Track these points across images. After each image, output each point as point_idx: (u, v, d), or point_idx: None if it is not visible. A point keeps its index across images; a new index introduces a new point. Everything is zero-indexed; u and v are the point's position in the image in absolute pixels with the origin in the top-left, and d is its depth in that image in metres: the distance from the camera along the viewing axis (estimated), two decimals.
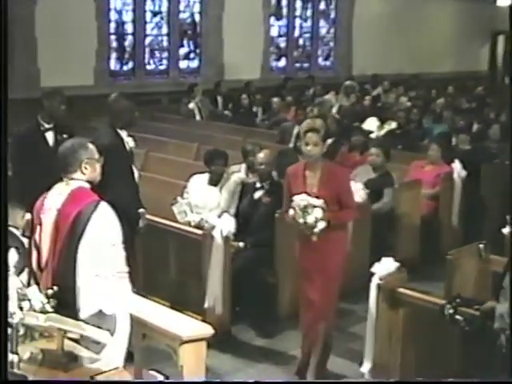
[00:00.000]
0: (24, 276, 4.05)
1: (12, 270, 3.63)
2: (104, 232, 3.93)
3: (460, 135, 9.70)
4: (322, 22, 16.86)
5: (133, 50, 13.76)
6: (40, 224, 4.11)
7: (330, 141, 6.67)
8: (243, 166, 7.50)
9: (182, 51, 14.52)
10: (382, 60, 16.31)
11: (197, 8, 14.52)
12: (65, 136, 6.00)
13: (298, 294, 5.58)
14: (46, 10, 11.78)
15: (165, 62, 14.28)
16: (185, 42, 14.55)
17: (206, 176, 7.08)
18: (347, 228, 5.77)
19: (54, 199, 4.09)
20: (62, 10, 11.81)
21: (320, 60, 17.03)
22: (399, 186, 7.83)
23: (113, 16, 13.39)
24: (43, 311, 3.74)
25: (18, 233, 5.55)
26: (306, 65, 16.70)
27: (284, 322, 6.45)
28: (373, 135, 10.54)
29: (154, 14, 14.03)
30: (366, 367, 5.25)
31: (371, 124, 11.25)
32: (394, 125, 11.00)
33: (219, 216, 6.32)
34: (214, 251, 6.05)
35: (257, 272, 6.48)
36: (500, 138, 9.61)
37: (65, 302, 3.88)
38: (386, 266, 5.14)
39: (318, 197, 5.10)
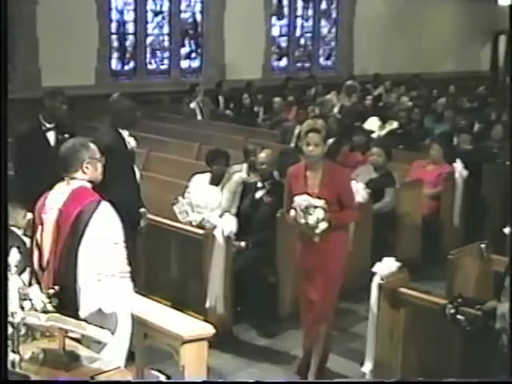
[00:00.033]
0: (25, 276, 4.06)
1: (13, 270, 3.63)
2: (105, 231, 3.94)
3: (461, 135, 9.68)
4: (323, 22, 16.85)
5: (134, 49, 13.77)
6: (41, 224, 4.11)
7: (331, 140, 6.70)
8: (244, 166, 7.50)
9: (184, 51, 14.52)
10: (384, 60, 16.29)
11: (198, 8, 14.52)
12: (66, 136, 6.01)
13: (299, 295, 5.58)
14: (48, 10, 11.79)
15: (166, 61, 14.28)
16: (186, 41, 14.55)
17: (208, 176, 7.08)
18: (348, 229, 5.77)
19: (56, 199, 4.09)
20: (64, 9, 11.83)
21: (321, 60, 17.02)
22: (401, 185, 7.82)
23: (114, 16, 13.40)
24: (45, 311, 3.75)
25: (19, 232, 5.57)
26: (307, 64, 16.68)
27: (285, 322, 6.45)
28: (374, 135, 10.52)
29: (156, 13, 14.03)
30: (367, 367, 5.25)
31: (373, 124, 11.25)
32: (395, 124, 10.99)
33: (220, 216, 6.33)
34: (216, 251, 6.05)
35: (258, 272, 6.48)
36: (502, 138, 9.60)
37: (66, 302, 3.88)
38: (387, 266, 5.14)
39: (319, 197, 5.10)
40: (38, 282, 4.03)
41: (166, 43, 14.25)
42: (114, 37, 13.46)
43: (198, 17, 14.58)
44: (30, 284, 4.02)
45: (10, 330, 3.52)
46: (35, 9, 11.85)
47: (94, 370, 3.59)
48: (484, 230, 8.12)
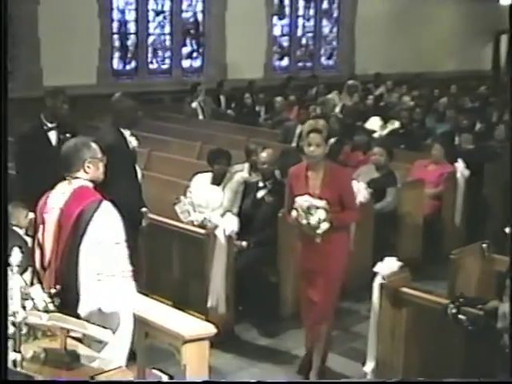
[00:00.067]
0: (27, 275, 4.06)
1: (15, 269, 3.64)
2: (106, 231, 3.93)
3: (463, 135, 9.68)
4: (324, 22, 16.85)
5: (135, 49, 13.77)
6: (43, 223, 4.11)
7: (332, 140, 6.69)
8: (246, 166, 7.50)
9: (185, 50, 14.53)
10: (385, 59, 16.29)
11: (199, 7, 14.53)
12: (68, 135, 6.01)
13: (300, 295, 5.58)
14: (49, 10, 11.80)
15: (167, 61, 14.28)
16: (188, 41, 14.55)
17: (209, 175, 7.08)
18: (349, 229, 5.77)
19: (57, 198, 4.09)
20: (65, 9, 11.83)
21: (323, 59, 17.02)
22: (402, 185, 7.82)
23: (115, 15, 13.41)
24: (46, 310, 3.75)
25: (21, 232, 5.58)
26: (308, 64, 16.69)
27: (287, 322, 6.45)
28: (376, 134, 10.53)
29: (157, 13, 14.04)
30: (368, 366, 5.25)
31: (374, 123, 11.24)
32: (396, 124, 10.99)
33: (222, 215, 6.33)
34: (217, 250, 6.05)
35: (260, 271, 6.48)
36: (504, 138, 9.59)
37: (68, 301, 3.88)
38: (388, 266, 5.14)
39: (320, 198, 5.09)
40: (40, 282, 4.03)
41: (168, 43, 14.26)
42: (115, 36, 13.47)
43: (200, 16, 14.58)
44: (32, 283, 4.02)
45: (11, 329, 3.53)
46: (37, 9, 11.86)
47: (96, 370, 3.59)
48: (486, 229, 8.11)
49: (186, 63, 14.54)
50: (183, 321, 4.26)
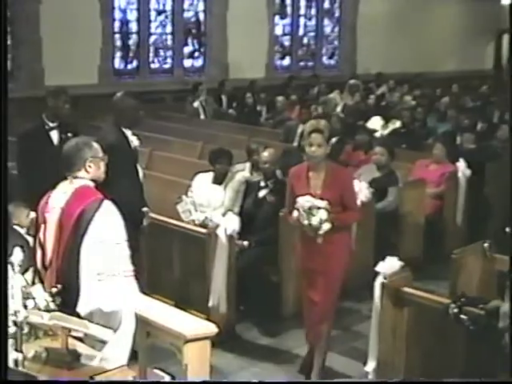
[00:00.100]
0: (29, 274, 4.06)
1: (17, 269, 3.64)
2: (107, 231, 3.94)
3: (464, 134, 9.68)
4: (326, 21, 16.85)
5: (137, 48, 13.77)
6: (44, 222, 4.12)
7: (334, 139, 6.68)
8: (247, 165, 7.50)
9: (187, 50, 14.53)
10: (387, 59, 16.29)
11: (201, 7, 14.53)
12: (69, 135, 6.01)
13: (301, 295, 5.58)
14: (51, 9, 11.80)
15: (169, 60, 14.29)
16: (189, 40, 14.55)
17: (211, 175, 7.08)
18: (351, 229, 5.77)
19: (59, 198, 4.09)
20: (67, 8, 11.84)
21: (324, 59, 17.02)
22: (404, 185, 7.82)
23: (117, 15, 13.41)
24: (48, 309, 3.75)
25: (22, 231, 5.58)
26: (310, 63, 16.69)
27: (288, 321, 6.45)
28: (377, 134, 10.52)
29: (159, 12, 14.04)
30: (370, 366, 5.25)
31: (375, 123, 11.25)
32: (398, 124, 10.99)
33: (223, 215, 6.33)
34: (219, 250, 6.05)
35: (261, 271, 6.48)
36: (507, 138, 9.58)
37: (69, 301, 3.88)
38: (390, 265, 5.13)
39: (321, 198, 5.08)
40: (41, 281, 4.03)
41: (169, 42, 14.26)
42: (117, 36, 13.48)
43: (201, 16, 14.59)
44: (33, 283, 4.02)
45: (13, 328, 3.53)
46: (39, 8, 11.87)
47: (97, 369, 3.60)
48: (487, 229, 8.11)
49: (187, 63, 14.55)
50: (184, 320, 4.26)
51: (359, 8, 16.69)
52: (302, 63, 16.53)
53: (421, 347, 5.03)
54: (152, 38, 14.01)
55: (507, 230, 5.20)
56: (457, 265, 5.40)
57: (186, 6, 14.33)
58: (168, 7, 14.10)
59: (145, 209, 5.89)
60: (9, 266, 3.64)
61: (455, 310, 4.37)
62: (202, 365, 4.06)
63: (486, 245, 5.50)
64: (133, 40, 13.77)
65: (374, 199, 7.33)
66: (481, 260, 5.49)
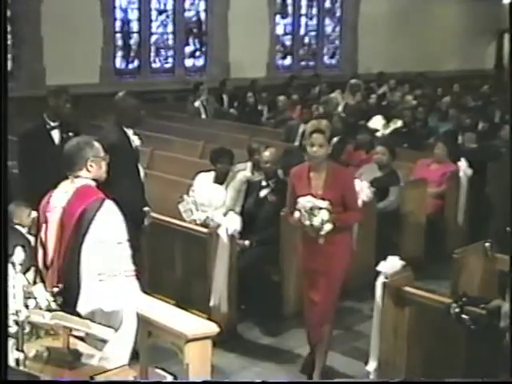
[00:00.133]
0: (30, 274, 4.06)
1: (18, 268, 3.64)
2: (109, 230, 3.93)
3: (466, 133, 9.68)
4: (327, 20, 16.84)
5: (138, 48, 13.77)
6: (46, 222, 4.12)
7: (335, 139, 6.68)
8: (249, 165, 7.50)
9: (188, 49, 14.53)
10: (388, 58, 16.28)
11: (202, 6, 14.52)
12: (70, 134, 6.01)
13: (302, 295, 5.57)
14: (52, 9, 11.80)
15: (170, 60, 14.28)
16: (190, 40, 14.55)
17: (212, 174, 7.08)
18: (352, 230, 5.76)
19: (60, 197, 4.09)
20: (68, 8, 11.83)
21: (326, 58, 17.01)
22: (405, 184, 7.82)
23: (118, 14, 13.41)
24: (49, 309, 3.75)
25: (24, 231, 5.58)
26: (311, 63, 16.68)
27: (289, 320, 6.44)
28: (378, 134, 10.52)
29: (160, 12, 14.04)
30: (371, 366, 5.25)
31: (377, 122, 11.24)
32: (399, 123, 10.98)
33: (225, 214, 6.32)
34: (220, 249, 6.05)
35: (262, 270, 6.48)
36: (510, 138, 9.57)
37: (70, 300, 3.88)
38: (391, 265, 5.13)
39: (323, 198, 5.07)
40: (43, 281, 4.03)
41: (171, 42, 14.26)
42: (118, 35, 13.47)
43: (202, 15, 14.58)
44: (35, 282, 4.02)
45: (14, 328, 3.53)
46: (39, 7, 11.87)
47: (98, 369, 3.60)
48: (488, 228, 8.10)
49: (188, 62, 14.54)
50: (186, 320, 4.26)
51: (360, 7, 16.68)
52: (303, 63, 16.51)
53: (422, 347, 5.03)
54: (153, 38, 14.00)
55: (508, 229, 5.21)
56: (458, 264, 5.40)
57: (187, 5, 14.32)
58: (169, 6, 14.09)
59: (146, 208, 5.89)
60: (10, 266, 3.65)
61: (456, 310, 4.37)
62: (204, 364, 4.06)
63: (487, 244, 5.50)
64: (134, 39, 13.77)
65: (376, 199, 7.33)
66: (482, 260, 5.49)
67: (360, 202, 6.27)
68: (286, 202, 5.55)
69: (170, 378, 4.55)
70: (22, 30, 11.80)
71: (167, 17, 14.13)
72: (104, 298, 3.87)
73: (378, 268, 5.15)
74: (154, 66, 14.06)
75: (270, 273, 6.56)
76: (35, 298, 3.74)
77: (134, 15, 13.66)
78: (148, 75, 13.84)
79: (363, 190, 6.93)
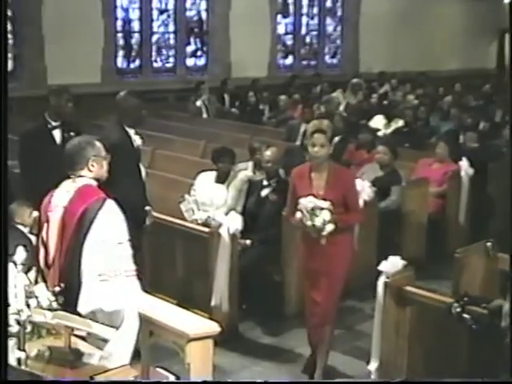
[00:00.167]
0: (32, 273, 4.06)
1: (20, 268, 3.64)
2: (110, 230, 3.93)
3: (467, 133, 9.67)
4: (328, 20, 16.84)
5: (140, 47, 13.78)
6: (47, 221, 4.12)
7: (337, 139, 6.68)
8: (250, 164, 7.50)
9: (189, 49, 14.53)
10: (389, 58, 16.28)
11: (203, 6, 14.53)
12: (72, 134, 6.01)
13: (304, 296, 5.57)
14: (53, 8, 11.81)
15: (172, 59, 14.29)
16: (192, 39, 14.55)
17: (213, 174, 7.08)
18: (353, 230, 5.75)
19: (61, 197, 4.09)
20: (69, 7, 11.84)
21: (327, 58, 17.01)
22: (406, 183, 7.82)
23: (119, 14, 13.42)
24: (50, 308, 3.75)
25: (25, 230, 5.58)
26: (312, 62, 16.68)
27: (291, 320, 6.44)
28: (380, 133, 10.52)
29: (161, 11, 14.04)
30: (372, 365, 5.25)
31: (378, 122, 11.24)
32: (401, 123, 10.98)
33: (226, 214, 6.33)
34: (221, 249, 6.05)
35: (263, 270, 6.48)
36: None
37: (72, 300, 3.88)
38: (393, 264, 5.13)
39: (324, 199, 5.06)
40: (44, 280, 4.03)
41: (172, 41, 14.26)
42: (119, 35, 13.48)
43: (204, 15, 14.58)
44: (36, 282, 4.02)
45: (16, 327, 3.53)
46: (41, 7, 11.87)
47: (100, 368, 3.60)
48: (490, 228, 8.10)
49: (190, 62, 14.55)
50: (187, 319, 4.26)
51: (361, 7, 16.67)
52: (304, 62, 16.51)
53: (423, 346, 5.03)
54: (154, 37, 14.01)
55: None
56: (459, 264, 5.39)
57: (188, 4, 14.33)
58: (170, 6, 14.09)
59: (147, 208, 5.90)
60: (12, 265, 3.65)
61: (458, 310, 4.37)
62: (205, 364, 4.07)
63: (488, 244, 5.49)
64: (135, 39, 13.78)
65: (377, 198, 7.33)
66: (484, 259, 5.49)
67: (361, 202, 6.28)
68: (287, 202, 5.54)
69: (171, 378, 4.55)
70: (24, 30, 11.81)
71: (168, 16, 14.14)
72: (105, 297, 3.87)
73: (380, 267, 5.15)
74: (155, 65, 14.07)
75: (272, 272, 6.56)
76: (37, 298, 3.74)
77: (135, 15, 13.67)
78: (149, 75, 13.85)
79: (365, 190, 6.93)
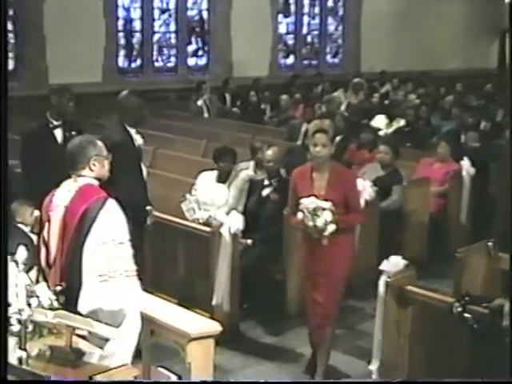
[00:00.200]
0: (33, 273, 4.06)
1: (21, 267, 3.64)
2: (111, 229, 3.93)
3: (469, 133, 9.66)
4: (330, 19, 16.84)
5: (141, 47, 13.79)
6: (48, 221, 4.11)
7: (338, 138, 6.68)
8: (251, 164, 7.50)
9: (190, 48, 14.54)
10: (391, 57, 16.27)
11: (205, 5, 14.54)
12: (73, 133, 6.01)
13: (304, 296, 5.56)
14: (54, 7, 11.81)
15: (173, 59, 14.30)
16: (193, 39, 14.56)
17: (215, 173, 7.08)
18: (354, 231, 5.74)
19: (63, 196, 4.09)
20: (70, 7, 11.85)
21: (328, 57, 17.01)
22: (408, 183, 7.81)
23: (121, 13, 13.44)
24: (52, 308, 3.75)
25: (26, 230, 5.59)
26: (314, 62, 16.68)
27: (292, 320, 6.44)
28: (381, 133, 10.52)
29: (162, 11, 14.06)
30: (374, 365, 5.25)
31: (380, 121, 11.24)
32: (402, 122, 10.98)
33: (227, 213, 6.33)
34: (222, 248, 6.05)
35: (265, 269, 6.48)
36: None
37: (73, 299, 3.88)
38: (394, 264, 5.13)
39: (326, 199, 5.05)
40: (46, 279, 4.03)
41: (173, 41, 14.27)
42: (120, 34, 13.50)
43: (205, 14, 14.59)
44: (38, 281, 4.02)
45: (17, 326, 3.53)
46: (42, 6, 11.88)
47: (101, 367, 3.59)
48: (491, 227, 8.10)
49: (191, 61, 14.55)
50: (189, 319, 4.27)
51: (363, 6, 16.68)
52: (305, 62, 16.52)
53: (424, 346, 5.03)
54: (156, 37, 14.02)
55: None
56: (461, 263, 5.40)
57: (189, 4, 14.34)
58: (172, 5, 14.11)
59: (149, 207, 5.90)
60: (13, 265, 3.65)
61: (459, 309, 4.36)
62: (206, 363, 4.07)
63: (490, 243, 5.49)
64: (136, 38, 13.79)
65: (378, 198, 7.32)
66: (485, 259, 5.49)
67: (363, 202, 6.27)
68: (288, 203, 5.53)
69: (173, 377, 4.56)
70: (25, 29, 11.82)
71: (170, 16, 14.15)
72: (105, 297, 3.86)
73: (381, 267, 5.15)
74: (156, 64, 14.08)
75: (273, 272, 6.56)
76: (38, 297, 3.73)
77: (136, 14, 13.68)
78: (151, 74, 13.86)
79: (366, 189, 6.93)
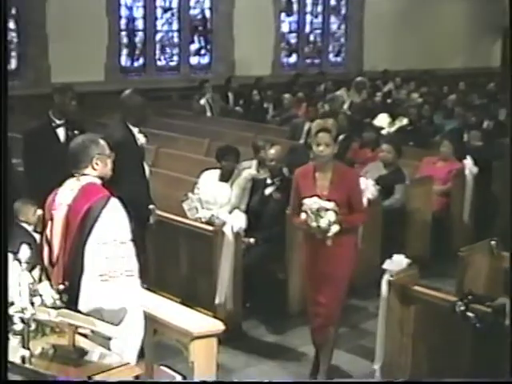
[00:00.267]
0: (36, 272, 4.06)
1: (24, 266, 3.64)
2: (113, 228, 3.93)
3: (471, 131, 9.65)
4: (332, 18, 16.83)
5: (143, 46, 13.78)
6: (51, 220, 4.12)
7: (341, 137, 6.67)
8: (254, 162, 7.49)
9: (193, 47, 14.53)
10: (393, 56, 16.25)
11: (207, 4, 14.53)
12: (76, 132, 6.01)
13: (307, 297, 5.55)
14: (57, 7, 11.81)
15: (175, 58, 14.29)
16: (195, 38, 14.55)
17: (217, 172, 7.08)
18: (357, 232, 5.73)
19: (65, 195, 4.09)
20: (73, 6, 11.85)
21: (331, 56, 16.99)
22: (411, 182, 7.81)
23: (123, 12, 13.43)
24: (54, 307, 3.75)
25: (29, 228, 5.59)
26: (316, 61, 16.66)
27: (294, 319, 6.44)
28: (384, 131, 10.51)
29: (165, 10, 14.05)
30: (377, 364, 5.24)
31: (382, 120, 11.23)
32: (405, 121, 10.97)
33: (230, 212, 6.33)
34: (225, 247, 6.05)
35: (267, 268, 6.48)
36: None
37: (76, 298, 3.89)
38: (397, 263, 5.12)
39: (329, 199, 5.02)
40: (48, 278, 4.03)
41: (176, 39, 14.27)
42: (123, 33, 13.49)
43: (208, 13, 14.58)
44: (41, 280, 4.02)
45: (20, 325, 3.54)
46: (45, 5, 11.88)
47: (103, 366, 3.59)
48: (494, 226, 8.09)
49: (193, 60, 14.55)
50: (191, 318, 4.27)
51: (366, 5, 16.65)
52: (308, 60, 16.50)
53: (427, 345, 5.02)
54: (158, 36, 14.02)
55: None
56: (464, 262, 5.39)
57: (192, 3, 14.33)
58: (174, 4, 14.10)
59: (151, 206, 5.90)
60: (16, 263, 3.66)
61: (462, 308, 4.36)
62: (209, 362, 4.08)
63: (493, 242, 5.49)
64: (139, 37, 13.78)
65: (381, 197, 7.32)
66: (488, 258, 5.48)
67: (365, 201, 6.26)
68: (290, 203, 5.51)
69: (176, 376, 4.56)
70: (28, 28, 11.82)
71: (172, 15, 14.14)
72: (105, 297, 3.87)
73: (384, 266, 5.14)
74: (159, 63, 14.07)
75: (275, 271, 6.56)
76: (41, 296, 3.74)
77: (139, 13, 13.68)
78: (153, 73, 13.86)
79: (368, 188, 6.92)
